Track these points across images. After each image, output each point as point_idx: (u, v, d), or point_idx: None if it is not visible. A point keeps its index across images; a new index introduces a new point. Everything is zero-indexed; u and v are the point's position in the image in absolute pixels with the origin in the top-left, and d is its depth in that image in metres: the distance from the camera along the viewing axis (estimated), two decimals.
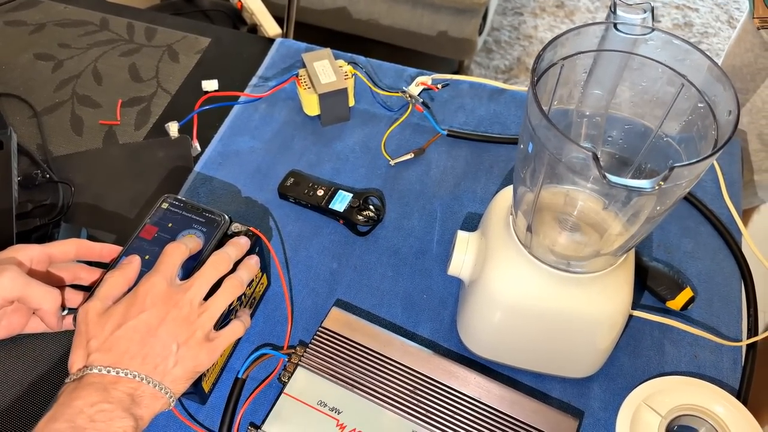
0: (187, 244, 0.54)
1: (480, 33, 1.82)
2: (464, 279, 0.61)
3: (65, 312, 0.57)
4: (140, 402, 0.47)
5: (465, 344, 0.63)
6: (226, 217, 0.59)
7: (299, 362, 0.60)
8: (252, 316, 0.66)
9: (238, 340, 0.64)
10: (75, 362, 0.48)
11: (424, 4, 1.70)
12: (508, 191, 0.62)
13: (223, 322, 0.55)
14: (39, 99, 0.85)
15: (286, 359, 0.61)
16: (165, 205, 0.60)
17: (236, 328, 0.55)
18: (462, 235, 0.60)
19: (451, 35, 1.77)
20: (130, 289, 0.52)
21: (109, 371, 0.47)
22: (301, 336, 0.65)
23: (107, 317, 0.49)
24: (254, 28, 1.18)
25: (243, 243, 0.57)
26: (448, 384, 0.59)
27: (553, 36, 0.48)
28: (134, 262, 0.53)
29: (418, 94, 0.83)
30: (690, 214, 0.75)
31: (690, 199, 0.75)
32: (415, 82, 0.83)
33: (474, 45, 1.81)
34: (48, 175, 0.74)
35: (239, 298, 0.60)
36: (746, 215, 1.11)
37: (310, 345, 0.61)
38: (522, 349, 0.61)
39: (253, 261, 0.57)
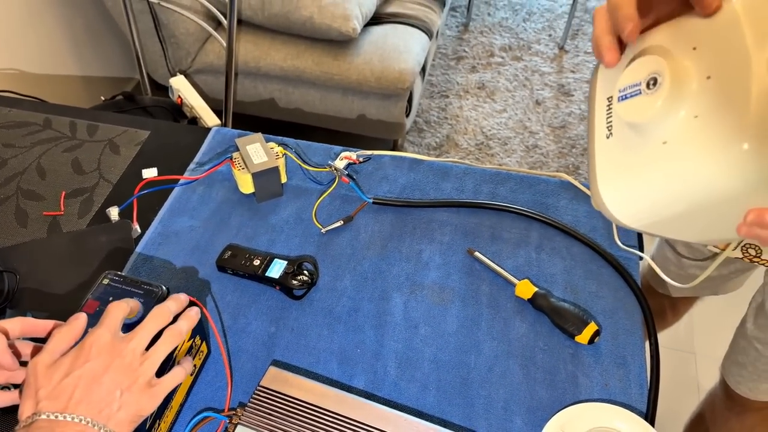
0: (129, 302, 0.59)
1: (407, 115, 1.96)
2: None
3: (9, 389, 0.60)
4: None
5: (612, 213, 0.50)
6: (164, 288, 0.64)
7: (239, 422, 0.63)
8: (193, 384, 0.69)
9: (186, 391, 0.67)
10: (25, 411, 0.52)
11: (354, 92, 1.84)
12: None
13: (165, 370, 0.59)
14: None
15: (227, 421, 0.64)
16: (106, 281, 0.64)
17: (177, 374, 0.59)
18: None
19: (381, 119, 1.90)
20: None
21: (57, 416, 0.50)
22: (242, 398, 0.69)
23: (55, 368, 0.53)
24: (194, 121, 1.26)
25: (183, 299, 0.62)
26: (382, 429, 0.63)
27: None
28: (81, 318, 0.58)
29: (344, 168, 0.91)
30: (592, 259, 0.83)
31: (591, 245, 0.84)
32: (339, 157, 0.91)
33: (403, 126, 1.94)
34: None
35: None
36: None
37: (248, 404, 0.64)
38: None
39: (193, 312, 0.62)
